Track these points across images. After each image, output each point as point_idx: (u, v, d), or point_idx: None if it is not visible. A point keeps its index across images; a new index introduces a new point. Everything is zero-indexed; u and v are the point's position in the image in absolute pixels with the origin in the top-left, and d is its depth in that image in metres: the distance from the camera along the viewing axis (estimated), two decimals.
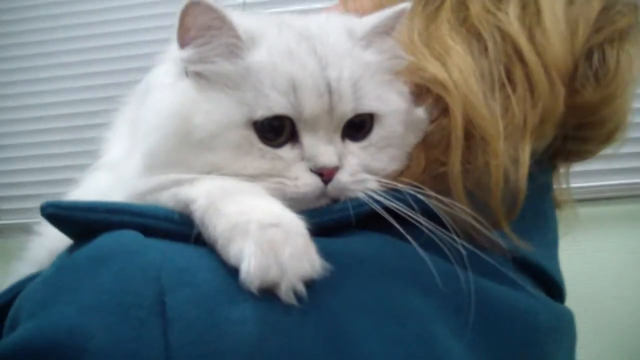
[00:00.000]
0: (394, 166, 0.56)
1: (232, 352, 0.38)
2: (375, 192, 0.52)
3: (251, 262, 0.40)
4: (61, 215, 0.46)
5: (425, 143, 0.57)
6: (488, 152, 0.53)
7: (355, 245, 0.49)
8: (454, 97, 0.54)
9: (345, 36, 0.56)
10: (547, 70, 0.55)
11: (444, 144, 0.54)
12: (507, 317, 0.51)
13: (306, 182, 0.51)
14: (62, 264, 0.44)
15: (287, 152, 0.52)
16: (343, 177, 0.52)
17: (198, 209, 0.45)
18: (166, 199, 0.48)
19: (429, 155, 0.56)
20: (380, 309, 0.45)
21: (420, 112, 0.58)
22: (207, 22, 0.51)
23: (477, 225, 0.50)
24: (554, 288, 0.61)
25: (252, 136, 0.51)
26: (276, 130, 0.52)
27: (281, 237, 0.42)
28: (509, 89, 0.55)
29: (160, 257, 0.42)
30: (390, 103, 0.56)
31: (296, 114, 0.51)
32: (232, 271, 0.41)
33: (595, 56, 0.59)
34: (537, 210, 0.62)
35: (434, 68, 0.55)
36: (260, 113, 0.51)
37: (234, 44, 0.52)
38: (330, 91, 0.52)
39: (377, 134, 0.56)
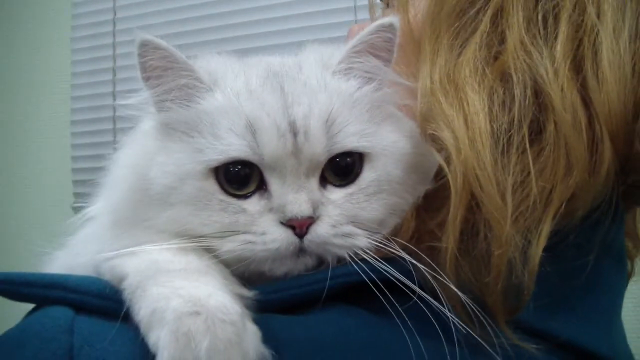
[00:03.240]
0: (390, 217, 0.47)
1: None
2: (365, 251, 0.44)
3: (164, 356, 0.35)
4: (5, 291, 0.42)
5: (420, 206, 0.47)
6: (490, 238, 0.42)
7: (321, 325, 0.41)
8: (455, 164, 0.43)
9: (321, 67, 0.49)
10: (591, 126, 0.43)
11: (442, 214, 0.44)
12: None
13: (275, 237, 0.44)
14: None
15: (253, 203, 0.45)
16: (321, 230, 0.45)
17: (127, 288, 0.41)
18: (106, 270, 0.44)
19: (422, 223, 0.46)
20: None
21: (436, 157, 0.47)
22: (156, 63, 0.46)
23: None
24: None
25: (213, 187, 0.45)
26: (242, 180, 0.46)
27: (200, 327, 0.36)
28: (530, 156, 0.43)
29: (78, 342, 0.38)
30: (383, 139, 0.48)
31: (257, 158, 0.45)
32: None
33: None
34: (580, 275, 0.49)
35: (442, 123, 0.45)
36: (215, 157, 0.45)
37: (190, 86, 0.46)
38: (294, 130, 0.45)
39: (366, 177, 0.47)
